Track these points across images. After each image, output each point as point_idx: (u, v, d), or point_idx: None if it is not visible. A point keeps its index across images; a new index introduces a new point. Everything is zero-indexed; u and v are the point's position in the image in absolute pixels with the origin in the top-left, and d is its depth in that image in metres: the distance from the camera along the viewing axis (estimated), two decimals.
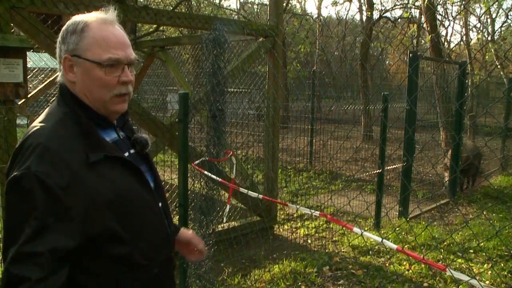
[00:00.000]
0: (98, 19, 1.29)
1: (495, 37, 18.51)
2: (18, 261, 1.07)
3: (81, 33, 1.25)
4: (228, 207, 3.48)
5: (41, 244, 1.08)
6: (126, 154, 1.35)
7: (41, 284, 1.06)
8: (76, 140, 1.20)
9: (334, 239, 5.06)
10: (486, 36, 17.95)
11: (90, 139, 1.23)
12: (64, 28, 1.30)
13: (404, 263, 4.23)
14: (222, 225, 4.48)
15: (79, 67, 1.26)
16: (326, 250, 4.64)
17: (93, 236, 1.17)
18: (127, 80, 1.30)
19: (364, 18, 16.59)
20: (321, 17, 23.24)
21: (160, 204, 1.41)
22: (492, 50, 15.42)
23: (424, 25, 9.92)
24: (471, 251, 4.60)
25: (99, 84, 1.26)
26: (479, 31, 19.32)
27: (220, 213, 3.79)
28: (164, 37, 12.20)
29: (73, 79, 1.28)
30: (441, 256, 4.43)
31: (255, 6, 24.82)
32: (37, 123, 1.23)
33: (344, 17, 26.38)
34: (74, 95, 1.28)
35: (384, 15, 17.20)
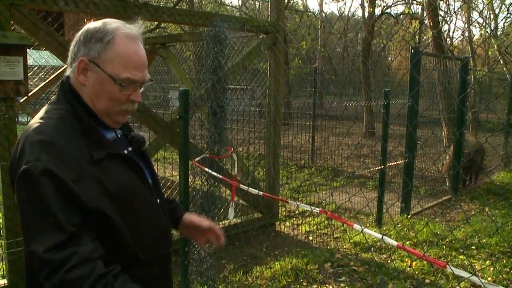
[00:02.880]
0: (125, 34, 1.28)
1: (498, 33, 18.41)
2: (42, 258, 1.07)
3: (107, 44, 1.25)
4: (232, 204, 3.47)
5: (61, 237, 1.09)
6: (125, 151, 1.36)
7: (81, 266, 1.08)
8: (78, 137, 1.21)
9: (335, 235, 5.05)
10: (489, 31, 17.85)
11: (92, 137, 1.24)
12: (89, 29, 1.28)
13: (406, 259, 4.22)
14: (223, 222, 4.49)
15: (94, 74, 1.27)
16: (328, 247, 4.64)
17: (97, 230, 1.18)
18: (136, 100, 1.33)
19: (366, 14, 16.51)
20: (322, 13, 23.17)
21: (158, 201, 1.42)
22: (495, 46, 15.35)
23: (426, 21, 9.87)
24: (473, 247, 4.59)
25: (109, 97, 1.27)
26: (482, 27, 19.24)
27: (222, 211, 3.78)
28: (165, 34, 12.18)
29: (84, 82, 1.28)
30: (443, 253, 4.43)
31: (257, 3, 24.76)
32: (38, 120, 1.23)
33: (346, 13, 26.31)
34: (76, 93, 1.29)
35: (386, 11, 17.12)
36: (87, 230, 1.14)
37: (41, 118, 1.24)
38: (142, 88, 1.35)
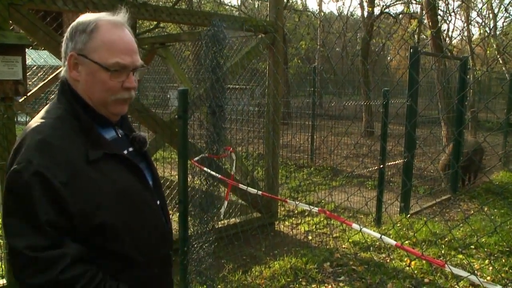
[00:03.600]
0: (109, 21, 1.28)
1: (497, 32, 18.41)
2: (26, 255, 1.10)
3: (91, 33, 1.25)
4: (225, 203, 3.47)
5: (44, 239, 1.10)
6: (125, 152, 1.35)
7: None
8: (76, 137, 1.21)
9: (334, 235, 5.06)
10: (488, 31, 17.87)
11: (90, 136, 1.23)
12: (73, 25, 1.29)
13: (405, 259, 4.23)
14: (222, 222, 4.48)
15: (84, 66, 1.26)
16: (327, 246, 4.64)
17: (92, 232, 1.18)
18: (130, 86, 1.30)
19: (365, 13, 16.51)
20: (321, 13, 23.17)
21: (158, 202, 1.41)
22: (494, 45, 15.35)
23: (425, 21, 9.88)
24: (472, 247, 4.59)
25: (102, 87, 1.26)
26: (481, 26, 19.25)
27: (217, 210, 3.78)
28: (164, 33, 12.16)
29: (77, 78, 1.28)
30: (442, 252, 4.43)
31: (256, 2, 24.77)
32: (37, 119, 1.24)
33: (346, 13, 26.30)
34: (75, 92, 1.28)
35: (385, 10, 17.13)
36: (72, 233, 1.15)
37: (40, 118, 1.24)
38: (136, 75, 1.33)
